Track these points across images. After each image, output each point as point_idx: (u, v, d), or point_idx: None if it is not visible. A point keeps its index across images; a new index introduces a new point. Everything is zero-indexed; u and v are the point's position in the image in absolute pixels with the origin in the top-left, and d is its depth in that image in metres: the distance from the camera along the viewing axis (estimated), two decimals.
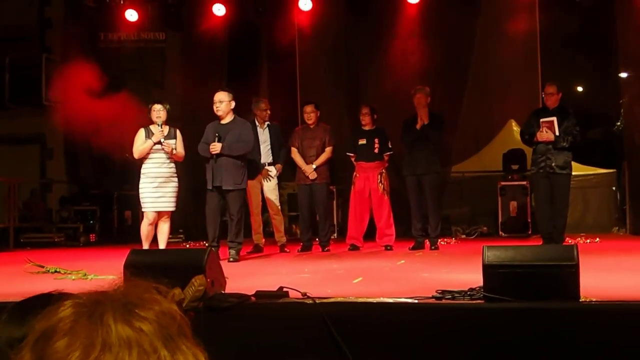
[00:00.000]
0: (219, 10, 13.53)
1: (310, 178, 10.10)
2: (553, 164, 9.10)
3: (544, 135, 9.11)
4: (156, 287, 1.20)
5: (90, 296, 1.16)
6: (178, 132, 8.86)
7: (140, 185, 8.74)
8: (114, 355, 1.08)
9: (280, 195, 10.69)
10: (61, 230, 14.35)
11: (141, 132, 8.76)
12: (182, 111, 13.46)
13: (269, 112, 10.31)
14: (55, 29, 15.87)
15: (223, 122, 8.90)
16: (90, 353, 1.07)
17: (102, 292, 1.17)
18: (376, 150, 10.21)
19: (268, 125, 10.26)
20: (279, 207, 10.38)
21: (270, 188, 10.17)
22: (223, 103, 8.88)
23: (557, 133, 9.06)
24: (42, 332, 1.12)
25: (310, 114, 10.25)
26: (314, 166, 10.09)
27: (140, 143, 8.70)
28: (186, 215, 12.90)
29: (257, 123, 10.18)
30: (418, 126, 9.74)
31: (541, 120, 9.22)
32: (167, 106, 8.84)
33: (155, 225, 8.77)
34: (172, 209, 8.78)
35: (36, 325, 1.14)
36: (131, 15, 13.90)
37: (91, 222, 14.32)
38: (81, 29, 14.81)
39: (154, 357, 1.10)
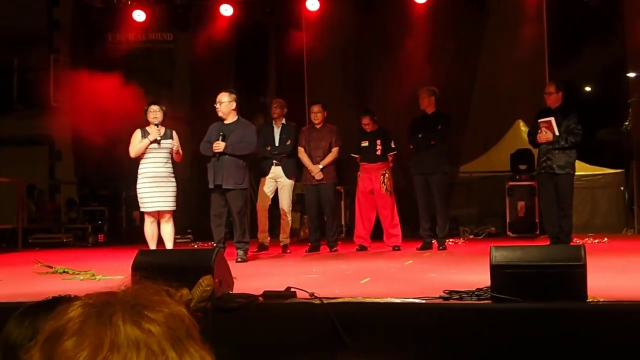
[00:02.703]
0: (226, 10, 13.54)
1: (317, 178, 10.11)
2: (553, 165, 9.05)
3: (543, 136, 9.09)
4: (165, 289, 1.21)
5: (100, 297, 1.17)
6: (174, 132, 8.87)
7: (138, 185, 8.73)
8: (122, 356, 1.08)
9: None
10: (70, 230, 14.38)
11: (137, 133, 8.77)
12: (191, 112, 13.50)
13: (277, 110, 10.36)
14: (63, 30, 15.90)
15: (226, 122, 8.93)
16: (99, 353, 1.08)
17: (111, 293, 1.18)
18: (378, 152, 10.21)
19: (282, 124, 10.31)
20: (290, 208, 10.36)
21: (285, 188, 10.16)
22: (223, 104, 8.91)
23: (557, 132, 9.02)
24: (52, 332, 1.13)
25: (317, 114, 10.26)
26: (320, 166, 10.10)
27: (136, 142, 8.72)
28: (194, 216, 12.91)
29: (273, 122, 10.36)
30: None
31: (539, 120, 9.20)
32: (164, 108, 8.88)
33: (158, 226, 8.78)
34: (172, 208, 8.76)
35: (45, 325, 1.15)
36: (139, 16, 13.91)
37: (99, 222, 14.35)
38: (89, 30, 14.86)
39: (162, 359, 1.11)
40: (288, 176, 10.12)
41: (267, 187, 10.16)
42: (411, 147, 10.09)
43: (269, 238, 10.31)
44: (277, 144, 10.17)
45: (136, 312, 1.13)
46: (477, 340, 4.25)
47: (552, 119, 9.02)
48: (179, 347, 1.13)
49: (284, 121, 10.35)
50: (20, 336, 1.78)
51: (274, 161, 10.11)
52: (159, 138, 8.66)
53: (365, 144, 10.30)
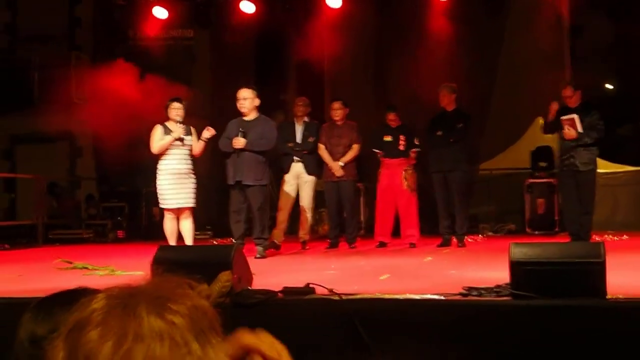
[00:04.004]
0: (247, 7, 13.56)
1: (337, 175, 10.10)
2: (577, 162, 9.03)
3: (567, 133, 9.07)
4: (188, 282, 1.23)
5: (123, 289, 1.18)
6: (193, 129, 8.90)
7: (159, 182, 8.74)
8: (146, 346, 1.10)
9: None
10: (90, 226, 14.47)
11: (158, 129, 8.77)
12: (210, 108, 13.53)
13: (302, 108, 10.34)
14: (85, 27, 16.00)
15: (246, 118, 8.92)
16: (123, 343, 1.10)
17: (134, 285, 1.19)
18: (401, 147, 10.19)
19: (305, 122, 10.29)
20: (311, 205, 10.33)
21: (307, 184, 10.15)
22: (247, 100, 8.90)
23: (580, 130, 8.99)
24: (76, 323, 1.15)
25: (337, 111, 10.24)
26: (341, 163, 10.09)
27: (158, 138, 8.72)
28: (214, 212, 12.95)
29: (295, 120, 10.33)
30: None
31: (561, 118, 9.16)
32: (184, 103, 8.90)
33: (178, 222, 8.80)
34: (192, 204, 8.77)
35: (70, 317, 1.17)
36: (160, 12, 13.97)
37: (119, 218, 14.42)
38: (110, 27, 14.94)
39: (185, 350, 1.12)
40: (309, 173, 10.09)
41: (289, 186, 10.12)
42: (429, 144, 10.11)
43: (282, 237, 10.27)
44: (299, 141, 10.15)
45: (159, 304, 1.14)
46: (496, 336, 4.24)
47: (576, 116, 8.99)
48: (202, 338, 1.15)
49: (306, 119, 10.34)
50: (37, 329, 1.80)
51: (295, 158, 10.08)
52: (183, 137, 8.70)
53: (388, 138, 10.26)
